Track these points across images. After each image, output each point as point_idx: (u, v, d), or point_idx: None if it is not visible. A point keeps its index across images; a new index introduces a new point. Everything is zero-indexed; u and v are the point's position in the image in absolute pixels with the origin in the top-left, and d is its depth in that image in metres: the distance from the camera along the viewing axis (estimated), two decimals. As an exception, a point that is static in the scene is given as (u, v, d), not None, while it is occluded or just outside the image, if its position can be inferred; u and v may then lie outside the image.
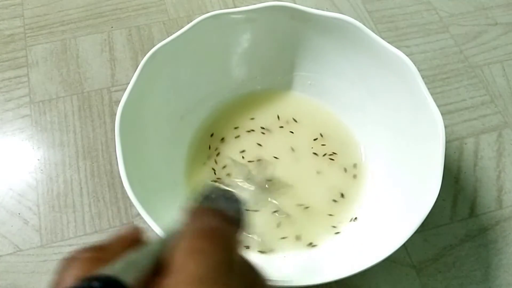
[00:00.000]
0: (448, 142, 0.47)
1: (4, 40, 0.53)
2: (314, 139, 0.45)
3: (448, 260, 0.41)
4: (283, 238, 0.40)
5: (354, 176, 0.43)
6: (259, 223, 0.41)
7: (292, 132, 0.45)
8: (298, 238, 0.40)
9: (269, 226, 0.41)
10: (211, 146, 0.44)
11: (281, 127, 0.45)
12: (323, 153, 0.44)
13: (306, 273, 0.37)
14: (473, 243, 0.42)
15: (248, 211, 0.33)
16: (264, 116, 0.46)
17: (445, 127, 0.36)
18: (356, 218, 0.41)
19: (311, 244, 0.40)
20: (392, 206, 0.38)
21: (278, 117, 0.46)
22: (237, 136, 0.45)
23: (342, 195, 0.42)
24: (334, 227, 0.41)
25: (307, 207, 0.41)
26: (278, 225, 0.41)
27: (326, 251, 0.39)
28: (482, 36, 0.54)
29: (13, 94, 0.49)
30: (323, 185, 0.42)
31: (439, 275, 0.40)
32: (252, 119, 0.45)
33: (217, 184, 0.31)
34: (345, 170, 0.43)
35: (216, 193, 0.30)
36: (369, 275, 0.40)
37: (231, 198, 0.30)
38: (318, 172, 0.43)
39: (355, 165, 0.43)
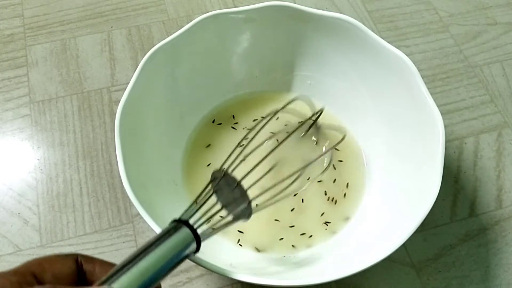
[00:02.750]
0: (448, 142, 0.47)
1: (4, 40, 0.53)
2: (313, 140, 0.45)
3: (448, 260, 0.41)
4: (281, 239, 0.40)
5: (354, 176, 0.43)
6: (257, 223, 0.41)
7: (292, 131, 0.45)
8: (297, 238, 0.40)
9: (267, 227, 0.41)
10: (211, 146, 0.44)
11: (283, 125, 0.45)
12: (322, 153, 0.44)
13: (306, 273, 0.37)
14: (473, 243, 0.42)
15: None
16: (264, 116, 0.46)
17: (445, 126, 0.36)
18: (356, 218, 0.41)
19: (310, 244, 0.40)
20: (392, 206, 0.38)
21: (278, 117, 0.46)
22: (236, 136, 0.45)
23: (342, 196, 0.42)
24: (333, 227, 0.41)
25: (305, 208, 0.41)
26: (276, 225, 0.41)
27: (325, 251, 0.39)
28: (482, 36, 0.54)
29: (13, 94, 0.49)
30: (321, 184, 0.42)
31: (439, 275, 0.40)
32: (252, 119, 0.45)
33: (223, 170, 0.32)
34: (345, 169, 0.43)
35: (221, 177, 0.31)
36: (369, 275, 0.40)
37: (233, 184, 0.31)
38: (316, 172, 0.43)
39: (354, 165, 0.43)
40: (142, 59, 0.39)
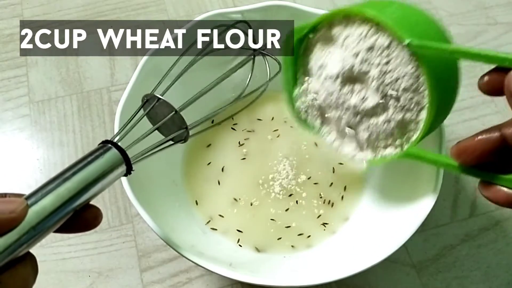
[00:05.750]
0: (448, 142, 0.47)
1: (4, 40, 0.53)
2: (313, 140, 0.45)
3: (448, 260, 0.41)
4: (279, 239, 0.40)
5: (353, 177, 0.43)
6: (256, 222, 0.41)
7: (292, 130, 0.45)
8: (295, 239, 0.40)
9: (265, 226, 0.41)
10: (211, 146, 0.44)
11: (285, 124, 0.45)
12: (320, 153, 0.44)
13: (305, 273, 0.37)
14: (473, 243, 0.42)
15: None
16: (264, 116, 0.46)
17: (445, 126, 0.36)
18: (355, 218, 0.41)
19: (309, 245, 0.40)
20: (392, 206, 0.38)
21: (278, 118, 0.46)
22: (236, 136, 0.45)
23: (339, 198, 0.42)
24: (332, 228, 0.41)
25: (300, 209, 0.41)
26: (273, 225, 0.41)
27: (325, 251, 0.39)
28: (482, 36, 0.54)
29: (13, 94, 0.49)
30: (317, 187, 0.42)
31: (439, 275, 0.40)
32: (252, 119, 0.45)
33: (156, 94, 0.32)
34: (344, 172, 0.43)
35: (155, 100, 0.31)
36: (369, 275, 0.40)
37: (166, 108, 0.31)
38: (314, 171, 0.43)
39: (353, 166, 0.43)
40: (142, 59, 0.39)
